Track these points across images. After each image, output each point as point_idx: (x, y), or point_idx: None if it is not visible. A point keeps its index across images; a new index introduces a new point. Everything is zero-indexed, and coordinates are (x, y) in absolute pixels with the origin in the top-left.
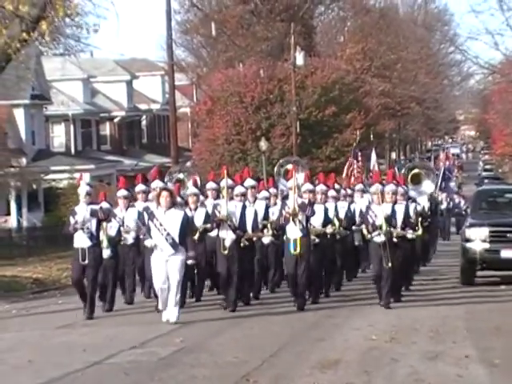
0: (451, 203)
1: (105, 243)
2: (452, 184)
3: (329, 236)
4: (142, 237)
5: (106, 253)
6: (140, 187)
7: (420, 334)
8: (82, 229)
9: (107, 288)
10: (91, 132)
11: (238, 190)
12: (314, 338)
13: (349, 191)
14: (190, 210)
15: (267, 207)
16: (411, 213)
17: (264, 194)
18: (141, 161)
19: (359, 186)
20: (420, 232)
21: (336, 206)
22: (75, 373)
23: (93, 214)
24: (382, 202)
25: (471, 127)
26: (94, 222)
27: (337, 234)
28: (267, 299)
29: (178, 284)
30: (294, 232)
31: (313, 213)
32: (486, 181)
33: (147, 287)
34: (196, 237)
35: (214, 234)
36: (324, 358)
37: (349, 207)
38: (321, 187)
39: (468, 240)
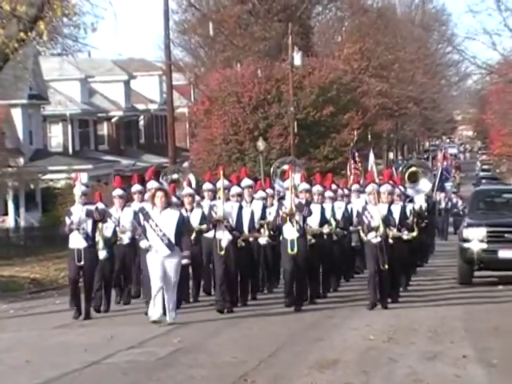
0: (449, 203)
1: (101, 244)
2: (449, 184)
3: (325, 236)
4: (137, 237)
5: (102, 254)
6: (136, 187)
7: (418, 334)
8: (78, 229)
9: (101, 289)
10: (89, 132)
11: (234, 190)
12: (312, 338)
13: (346, 191)
14: (186, 210)
15: (264, 207)
16: (407, 213)
17: (261, 194)
18: (138, 161)
19: (355, 187)
20: (415, 233)
21: (333, 207)
22: (73, 373)
23: (88, 214)
24: (378, 202)
25: (469, 127)
26: (89, 222)
27: (333, 235)
28: (265, 299)
29: (174, 285)
30: (290, 232)
31: (310, 213)
32: (483, 181)
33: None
34: (192, 237)
35: (210, 234)
36: (322, 357)
37: (346, 207)
38: (317, 188)
39: (466, 240)
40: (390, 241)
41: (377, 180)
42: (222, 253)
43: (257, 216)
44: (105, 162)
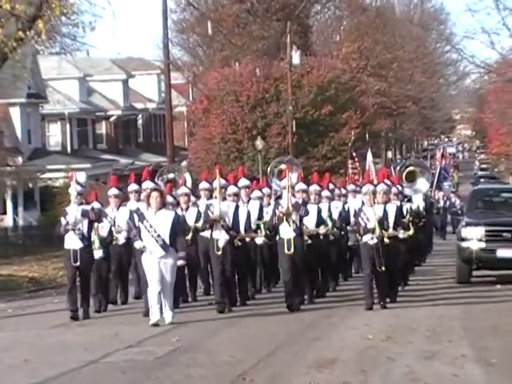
0: (447, 202)
1: (96, 244)
2: (447, 183)
3: (322, 237)
4: (131, 238)
5: (98, 253)
6: (132, 187)
7: (416, 334)
8: (74, 230)
9: (99, 293)
10: (87, 131)
11: (231, 189)
12: (310, 337)
13: (343, 191)
14: (182, 210)
15: (261, 207)
16: (404, 212)
17: (257, 193)
18: (137, 160)
19: (351, 187)
20: (411, 232)
21: (329, 207)
22: (71, 372)
23: (84, 214)
24: (374, 202)
25: (467, 126)
26: (85, 222)
27: (330, 235)
28: (263, 299)
29: (170, 286)
30: (287, 232)
31: (306, 213)
32: (481, 180)
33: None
34: (189, 237)
35: (206, 234)
36: (320, 357)
37: (343, 207)
38: (314, 187)
39: (464, 239)
40: (387, 241)
41: (375, 181)
42: (219, 253)
43: (254, 216)
44: (103, 161)
